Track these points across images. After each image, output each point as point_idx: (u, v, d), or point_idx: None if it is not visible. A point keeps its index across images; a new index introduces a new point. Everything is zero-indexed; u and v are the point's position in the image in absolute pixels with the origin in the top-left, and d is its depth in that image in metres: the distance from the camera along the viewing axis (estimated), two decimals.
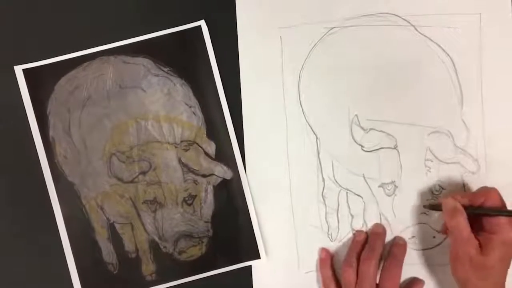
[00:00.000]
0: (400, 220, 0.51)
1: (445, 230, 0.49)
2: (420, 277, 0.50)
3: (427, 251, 0.50)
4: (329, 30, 0.52)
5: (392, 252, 0.49)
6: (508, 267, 0.44)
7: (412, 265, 0.50)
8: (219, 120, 0.52)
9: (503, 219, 0.43)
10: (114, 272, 0.51)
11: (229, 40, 0.52)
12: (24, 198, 0.52)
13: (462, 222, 0.44)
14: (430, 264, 0.50)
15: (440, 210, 0.47)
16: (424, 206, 0.50)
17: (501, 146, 0.50)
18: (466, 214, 0.44)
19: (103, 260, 0.51)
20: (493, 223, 0.44)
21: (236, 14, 0.52)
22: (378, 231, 0.50)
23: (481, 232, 0.44)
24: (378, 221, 0.51)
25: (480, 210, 0.45)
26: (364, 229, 0.51)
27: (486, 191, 0.45)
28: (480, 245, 0.43)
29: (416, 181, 0.51)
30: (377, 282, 0.48)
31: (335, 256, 0.51)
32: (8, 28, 0.53)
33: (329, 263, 0.50)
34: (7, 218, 0.52)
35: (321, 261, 0.50)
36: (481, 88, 0.51)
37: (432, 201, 0.50)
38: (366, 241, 0.50)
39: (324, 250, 0.51)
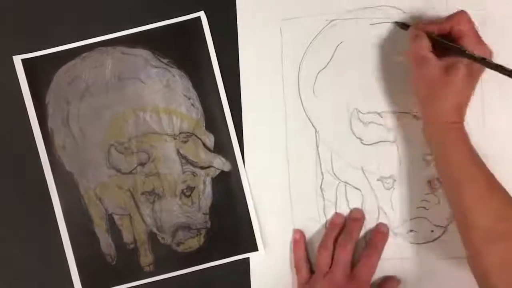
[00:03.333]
0: (399, 214, 0.50)
1: (407, 53, 0.48)
2: (417, 271, 0.50)
3: (425, 245, 0.50)
4: (329, 22, 0.52)
5: (373, 241, 0.49)
6: (471, 89, 0.45)
7: (410, 259, 0.50)
8: (218, 112, 0.52)
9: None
10: (112, 263, 0.51)
11: (229, 32, 0.52)
12: (23, 188, 0.52)
13: (424, 45, 0.45)
14: (428, 258, 0.50)
15: (407, 29, 0.48)
16: (396, 23, 0.50)
17: (501, 142, 0.50)
18: (428, 39, 0.45)
19: (101, 251, 0.51)
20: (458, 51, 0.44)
21: (236, 5, 0.52)
22: (356, 217, 0.50)
23: (447, 57, 0.44)
24: (376, 215, 0.51)
25: (445, 43, 0.45)
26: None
27: (453, 16, 0.45)
28: (445, 67, 0.44)
29: (415, 175, 0.50)
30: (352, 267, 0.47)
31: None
32: (7, 18, 0.53)
33: (303, 245, 0.50)
34: (5, 208, 0.52)
35: (295, 243, 0.50)
36: (481, 83, 0.50)
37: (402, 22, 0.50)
38: (344, 224, 0.50)
39: (298, 231, 0.50)
